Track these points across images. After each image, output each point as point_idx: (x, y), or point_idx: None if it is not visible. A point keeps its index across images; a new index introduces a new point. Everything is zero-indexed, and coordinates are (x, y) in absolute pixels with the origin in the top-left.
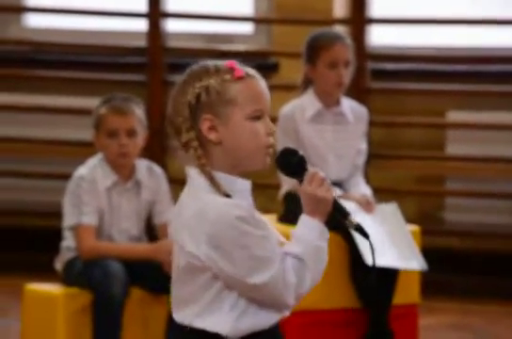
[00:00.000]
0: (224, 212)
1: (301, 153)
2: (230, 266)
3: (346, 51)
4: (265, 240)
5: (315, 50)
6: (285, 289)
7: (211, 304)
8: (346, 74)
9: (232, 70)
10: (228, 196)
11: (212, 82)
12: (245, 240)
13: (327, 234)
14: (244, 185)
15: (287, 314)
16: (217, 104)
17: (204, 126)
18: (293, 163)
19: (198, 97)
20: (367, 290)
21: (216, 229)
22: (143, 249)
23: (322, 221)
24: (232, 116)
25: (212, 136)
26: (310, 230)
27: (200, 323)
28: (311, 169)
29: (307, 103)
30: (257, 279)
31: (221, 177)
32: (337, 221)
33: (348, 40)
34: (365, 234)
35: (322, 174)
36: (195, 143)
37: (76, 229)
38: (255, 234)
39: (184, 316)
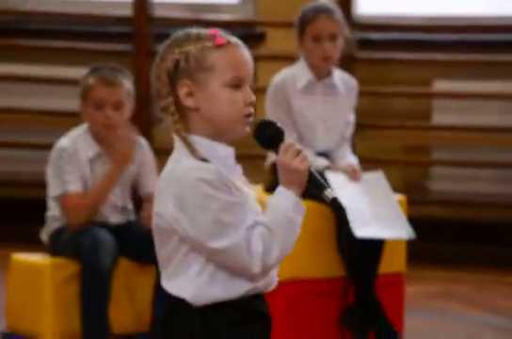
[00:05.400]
0: (189, 174)
1: (278, 124)
2: (192, 228)
3: (331, 24)
4: (234, 206)
5: (302, 24)
6: (249, 257)
7: (178, 268)
8: (333, 48)
9: (213, 37)
10: (204, 160)
11: (191, 48)
12: (206, 202)
13: (301, 206)
14: (225, 152)
15: (264, 287)
16: (196, 70)
17: (182, 92)
18: (267, 135)
19: (177, 63)
20: (353, 260)
21: (180, 190)
22: (110, 170)
23: (297, 193)
24: (210, 83)
25: (189, 102)
26: (284, 201)
27: (169, 287)
28: (286, 140)
29: (298, 73)
30: (217, 243)
31: (200, 142)
32: (313, 194)
33: (335, 13)
34: (341, 208)
35: (297, 145)
36: (172, 108)
37: (62, 198)
38: (221, 199)
39: (162, 279)
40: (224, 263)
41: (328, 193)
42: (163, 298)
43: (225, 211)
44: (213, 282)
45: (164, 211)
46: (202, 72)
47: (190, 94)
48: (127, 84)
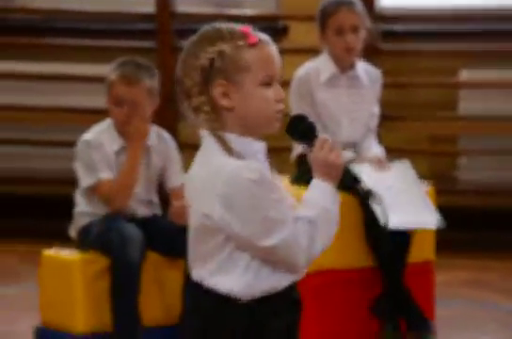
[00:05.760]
0: (237, 174)
1: (310, 119)
2: (242, 228)
3: (353, 16)
4: (278, 203)
5: (324, 17)
6: (297, 252)
7: (224, 264)
8: (356, 40)
9: (246, 35)
10: (240, 158)
11: (226, 47)
12: (257, 202)
13: (338, 197)
14: (257, 147)
15: (300, 276)
16: (231, 70)
17: (217, 92)
18: (301, 129)
19: (211, 62)
20: (382, 250)
21: (229, 190)
22: (129, 148)
23: (333, 185)
24: (245, 82)
25: (224, 101)
26: (321, 194)
27: (213, 282)
28: (321, 135)
29: (322, 66)
30: (269, 241)
31: (233, 139)
32: (349, 187)
33: (356, 5)
34: (377, 200)
35: (332, 141)
36: (206, 107)
37: (97, 187)
38: (267, 197)
39: (198, 275)
40: (273, 259)
41: (364, 186)
42: (191, 289)
43: (272, 208)
44: (259, 277)
45: (210, 211)
46: (237, 72)
47: (225, 94)
48: (149, 81)
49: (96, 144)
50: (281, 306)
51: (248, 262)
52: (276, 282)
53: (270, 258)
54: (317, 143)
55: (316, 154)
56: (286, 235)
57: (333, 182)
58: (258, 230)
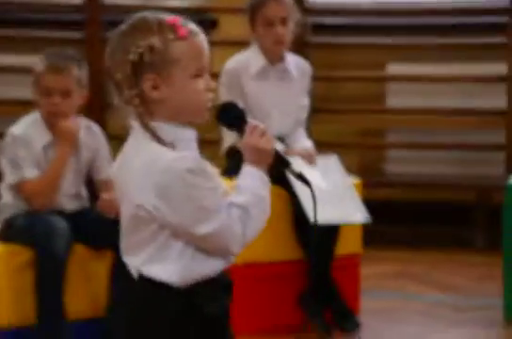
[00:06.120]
0: (174, 164)
1: (241, 106)
2: (176, 217)
3: (282, 8)
4: (213, 191)
5: (253, 9)
6: (231, 239)
7: (158, 252)
8: (285, 32)
9: (175, 28)
10: (172, 147)
11: (155, 41)
12: (193, 192)
13: (268, 183)
14: (190, 135)
15: (232, 261)
16: (160, 64)
17: (147, 85)
18: (232, 116)
19: (141, 56)
20: (309, 244)
21: (165, 180)
22: (58, 149)
23: (264, 171)
24: (175, 75)
25: (155, 94)
26: (252, 179)
27: (148, 270)
28: (251, 121)
29: (251, 58)
30: (203, 229)
31: (165, 130)
32: (279, 171)
33: None
34: (307, 182)
35: (262, 126)
36: (136, 100)
37: (20, 185)
38: (203, 186)
39: (132, 264)
40: (207, 246)
41: (294, 168)
42: (122, 279)
43: (207, 198)
44: (193, 264)
45: (144, 201)
46: (167, 66)
47: (155, 87)
48: (77, 71)
49: (23, 140)
50: (216, 291)
51: (182, 249)
52: (210, 267)
53: (205, 245)
54: (247, 129)
55: (246, 140)
56: (220, 223)
57: (264, 167)
58: (192, 219)
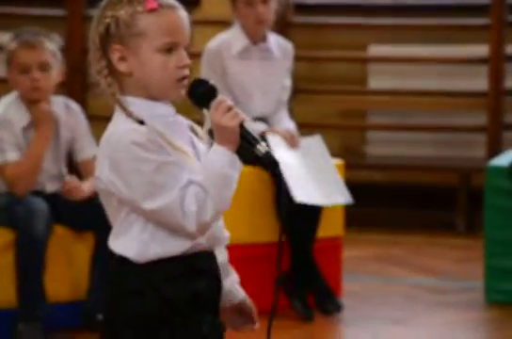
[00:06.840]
0: (121, 137)
1: (212, 82)
2: (126, 190)
3: None
4: (164, 166)
5: None
6: (184, 216)
7: (122, 227)
8: (266, 11)
9: (144, 1)
10: (141, 122)
11: (122, 13)
12: (138, 165)
13: (237, 162)
14: (162, 111)
15: (201, 242)
16: (126, 35)
17: (114, 57)
18: (200, 92)
19: (107, 27)
20: (291, 225)
21: (114, 153)
22: (38, 137)
23: (231, 150)
24: (141, 48)
25: (121, 66)
26: (216, 157)
27: (113, 246)
28: (219, 97)
29: (233, 38)
30: (151, 204)
31: (136, 103)
32: (246, 149)
33: None
34: (274, 163)
35: (228, 102)
36: (105, 71)
37: (2, 168)
38: (151, 160)
39: (108, 239)
40: (160, 222)
41: (262, 147)
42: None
43: (157, 172)
44: (153, 241)
45: (101, 174)
46: (133, 38)
47: (123, 59)
48: (51, 45)
49: (4, 121)
50: (176, 273)
51: (144, 225)
52: (172, 246)
53: (158, 221)
54: (213, 105)
55: (211, 117)
56: (170, 200)
57: (231, 146)
58: (141, 193)
